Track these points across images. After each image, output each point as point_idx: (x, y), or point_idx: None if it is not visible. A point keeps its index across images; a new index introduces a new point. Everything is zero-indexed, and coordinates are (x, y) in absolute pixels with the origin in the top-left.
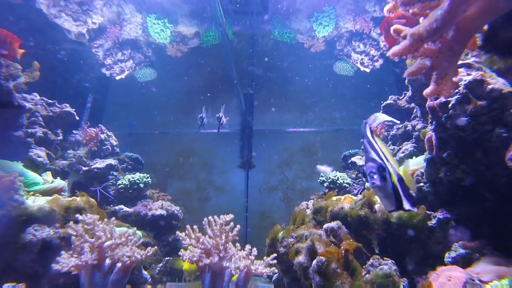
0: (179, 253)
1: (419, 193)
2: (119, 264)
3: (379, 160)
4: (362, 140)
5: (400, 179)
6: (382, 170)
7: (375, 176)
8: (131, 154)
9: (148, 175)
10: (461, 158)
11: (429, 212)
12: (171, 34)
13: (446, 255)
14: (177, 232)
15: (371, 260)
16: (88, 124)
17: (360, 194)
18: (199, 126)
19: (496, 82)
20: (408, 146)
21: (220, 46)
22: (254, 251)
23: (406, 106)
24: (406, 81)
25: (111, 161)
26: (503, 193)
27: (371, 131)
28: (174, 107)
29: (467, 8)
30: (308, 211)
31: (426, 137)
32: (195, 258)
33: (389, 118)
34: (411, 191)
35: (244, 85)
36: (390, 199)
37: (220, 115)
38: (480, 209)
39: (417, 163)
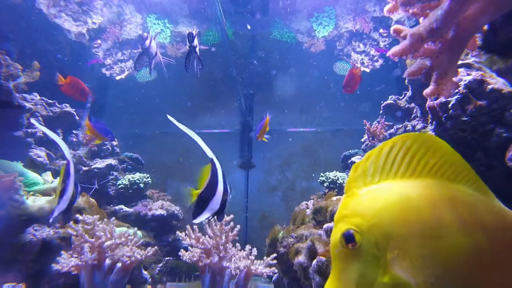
0: (179, 253)
1: None
2: (119, 264)
3: None
4: None
5: None
6: None
7: None
8: (131, 154)
9: (148, 175)
10: None
11: None
12: (171, 34)
13: None
14: (177, 232)
15: None
16: None
17: None
18: (137, 57)
19: (496, 82)
20: None
21: (220, 46)
22: (254, 251)
23: (406, 106)
24: (406, 81)
25: (111, 161)
26: (503, 193)
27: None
28: (174, 107)
29: (467, 8)
30: (308, 211)
31: None
32: (195, 258)
33: None
34: None
35: (244, 85)
36: None
37: (194, 32)
38: None
39: None
